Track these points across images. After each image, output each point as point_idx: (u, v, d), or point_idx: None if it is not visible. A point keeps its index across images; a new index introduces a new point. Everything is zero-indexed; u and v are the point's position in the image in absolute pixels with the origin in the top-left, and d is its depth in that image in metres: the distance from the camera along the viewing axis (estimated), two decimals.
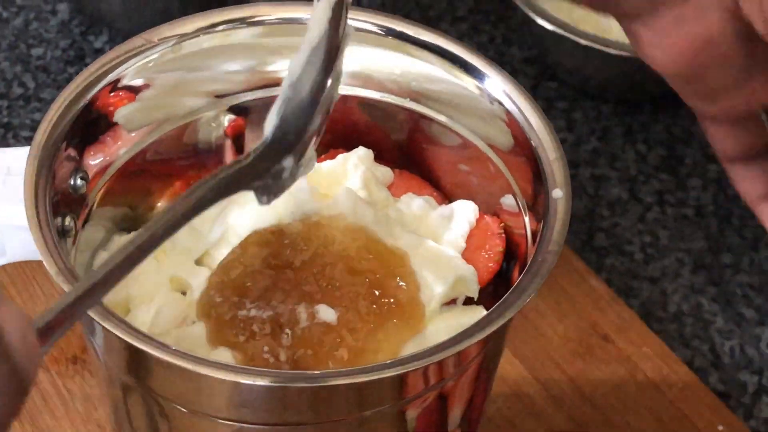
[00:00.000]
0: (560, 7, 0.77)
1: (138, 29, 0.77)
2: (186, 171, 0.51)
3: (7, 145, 0.71)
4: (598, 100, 0.77)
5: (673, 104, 0.77)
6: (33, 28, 0.79)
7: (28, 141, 0.71)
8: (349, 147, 0.50)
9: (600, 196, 0.71)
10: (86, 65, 0.76)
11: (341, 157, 0.49)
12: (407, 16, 0.82)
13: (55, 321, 0.32)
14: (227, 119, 0.50)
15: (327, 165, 0.49)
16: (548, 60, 0.78)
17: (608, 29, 0.76)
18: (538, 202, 0.43)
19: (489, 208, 0.48)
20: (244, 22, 0.47)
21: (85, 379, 0.58)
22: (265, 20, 0.47)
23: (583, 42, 0.72)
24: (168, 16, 0.75)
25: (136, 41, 0.45)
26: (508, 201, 0.47)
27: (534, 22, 0.74)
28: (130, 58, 0.45)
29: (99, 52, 0.78)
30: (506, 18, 0.83)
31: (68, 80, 0.75)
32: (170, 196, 0.51)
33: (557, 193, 0.42)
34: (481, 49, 0.79)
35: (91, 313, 0.38)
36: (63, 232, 0.42)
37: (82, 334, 0.60)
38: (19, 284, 0.62)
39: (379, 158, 0.50)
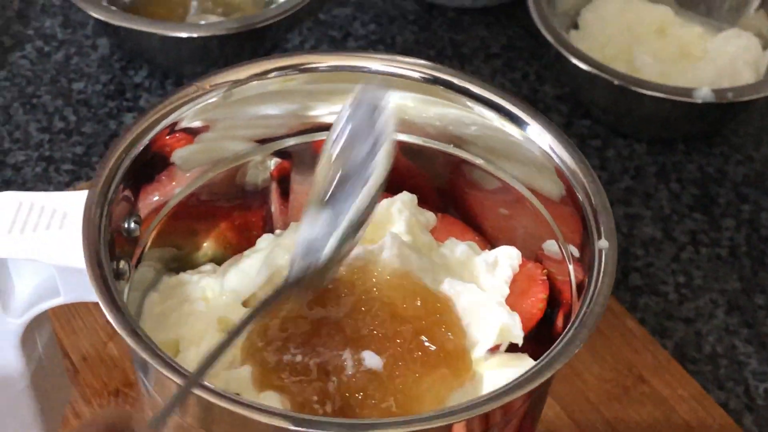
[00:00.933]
0: (593, 46, 0.78)
1: (176, 65, 0.79)
2: (231, 212, 0.52)
3: (48, 179, 0.73)
4: (631, 138, 0.78)
5: (706, 144, 0.78)
6: (74, 62, 0.81)
7: (69, 174, 0.72)
8: (392, 191, 0.51)
9: (634, 236, 0.71)
10: (126, 100, 0.78)
11: (385, 201, 0.50)
12: (441, 53, 0.83)
13: (162, 419, 0.36)
14: (273, 162, 0.51)
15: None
16: (581, 98, 0.79)
17: (641, 69, 0.77)
18: (583, 252, 0.44)
19: (531, 253, 0.49)
20: (296, 69, 0.48)
21: None
22: (317, 67, 0.48)
23: (616, 81, 0.73)
24: (206, 53, 0.77)
25: (191, 87, 0.46)
26: (550, 247, 0.47)
27: (567, 60, 0.75)
28: (185, 103, 0.46)
29: (138, 87, 0.79)
30: (539, 56, 0.84)
31: (108, 114, 0.77)
32: (215, 237, 0.52)
33: (603, 244, 0.42)
34: (514, 87, 0.80)
35: (143, 354, 0.39)
36: (118, 275, 0.43)
37: (125, 369, 0.61)
38: (62, 319, 0.63)
39: (422, 203, 0.51)
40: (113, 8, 0.78)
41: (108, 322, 0.61)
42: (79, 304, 0.63)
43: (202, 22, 0.80)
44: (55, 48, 0.82)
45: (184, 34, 0.75)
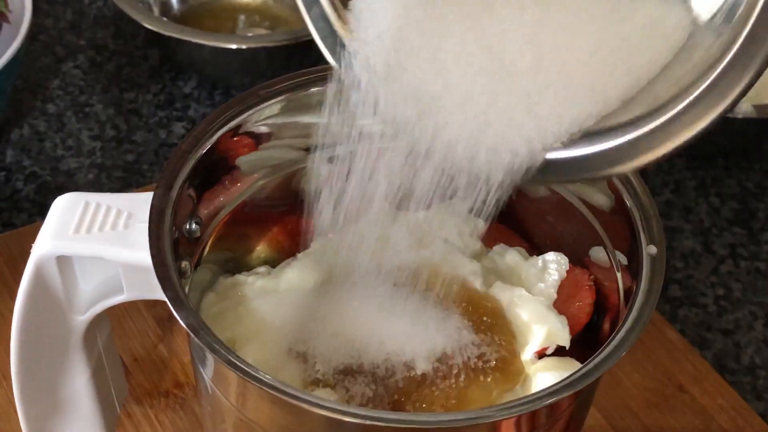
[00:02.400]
0: None
1: (224, 76, 0.81)
2: (284, 217, 0.53)
3: (100, 185, 0.74)
4: None
5: (745, 159, 0.79)
6: (125, 72, 0.83)
7: (120, 181, 0.74)
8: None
9: (674, 248, 0.72)
10: (176, 109, 0.80)
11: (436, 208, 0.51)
12: None
13: None
14: (326, 169, 0.52)
15: (422, 215, 0.51)
16: None
17: None
18: (631, 258, 0.45)
19: (578, 259, 0.50)
20: None
21: (176, 412, 0.60)
22: None
23: None
24: (253, 64, 0.79)
25: (250, 94, 0.48)
26: (597, 253, 0.48)
27: None
28: (247, 108, 0.47)
29: (187, 97, 0.81)
30: None
31: (158, 123, 0.78)
32: (268, 240, 0.53)
33: (651, 250, 0.43)
34: None
35: (206, 348, 0.40)
36: (181, 274, 0.44)
37: (174, 370, 0.62)
38: (113, 321, 0.64)
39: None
40: (164, 19, 0.80)
41: (159, 324, 0.64)
42: (130, 306, 0.65)
43: (250, 35, 0.82)
44: (107, 58, 0.84)
45: (233, 46, 0.77)
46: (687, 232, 0.74)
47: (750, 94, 0.78)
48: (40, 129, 0.78)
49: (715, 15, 0.38)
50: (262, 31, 0.83)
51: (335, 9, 0.42)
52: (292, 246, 0.53)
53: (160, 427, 0.60)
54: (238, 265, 0.52)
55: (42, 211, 0.72)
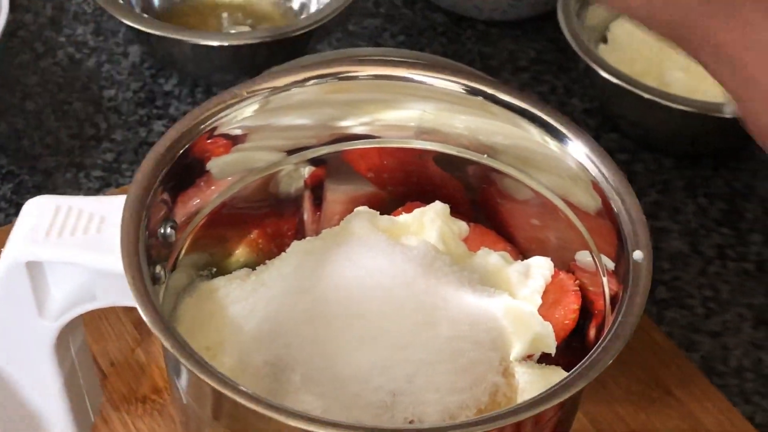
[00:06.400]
0: (622, 60, 0.78)
1: (206, 74, 0.80)
2: (263, 220, 0.52)
3: (79, 185, 0.73)
4: (659, 152, 0.78)
5: (733, 159, 0.78)
6: (105, 70, 0.81)
7: (99, 181, 0.73)
8: (425, 201, 0.51)
9: (661, 249, 0.71)
10: (156, 107, 0.78)
11: (418, 211, 0.50)
12: (469, 65, 0.83)
13: None
14: (307, 170, 0.51)
15: (404, 218, 0.50)
16: (610, 112, 0.79)
17: (670, 83, 0.77)
18: (618, 263, 0.44)
19: (563, 264, 0.49)
20: (335, 77, 0.48)
21: (154, 418, 0.59)
22: (357, 76, 0.49)
23: (645, 95, 0.73)
24: (236, 62, 0.78)
25: (227, 94, 0.47)
26: (583, 258, 0.47)
27: (597, 74, 0.75)
28: (223, 109, 0.46)
29: (168, 95, 0.80)
30: (568, 69, 0.84)
31: (139, 122, 0.77)
32: (247, 244, 0.52)
33: (638, 255, 0.43)
34: (542, 100, 0.80)
35: (181, 358, 0.39)
36: (154, 280, 0.43)
37: (152, 375, 0.61)
38: (90, 325, 0.63)
39: (454, 212, 0.51)
40: (145, 16, 0.79)
41: (137, 328, 0.63)
42: (107, 309, 0.63)
43: (233, 32, 0.81)
44: (86, 55, 0.83)
45: (215, 43, 0.76)
46: (674, 232, 0.73)
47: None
48: (18, 127, 0.77)
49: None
50: (245, 29, 0.82)
51: None
52: (272, 249, 0.52)
53: None
54: (217, 268, 0.51)
55: (19, 212, 0.70)
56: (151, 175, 0.43)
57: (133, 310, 0.63)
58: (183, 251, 0.47)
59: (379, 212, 0.51)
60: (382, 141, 0.51)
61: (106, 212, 0.44)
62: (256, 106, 0.47)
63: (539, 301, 0.47)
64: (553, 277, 0.48)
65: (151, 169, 0.44)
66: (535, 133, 0.48)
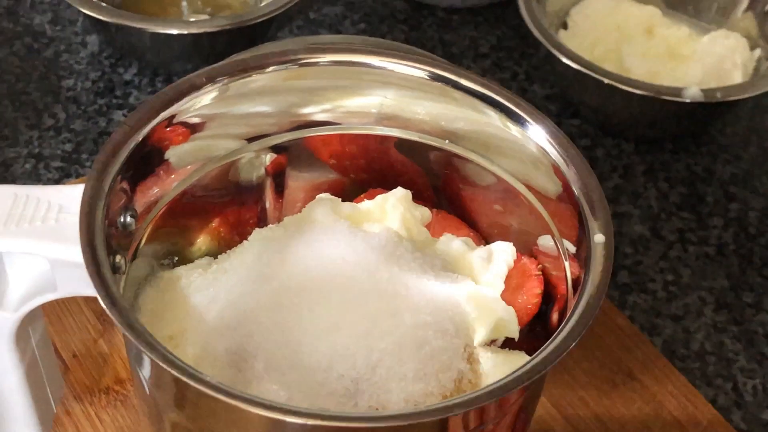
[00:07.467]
0: (582, 46, 0.78)
1: (166, 62, 0.79)
2: (225, 208, 0.52)
3: (38, 176, 0.72)
4: (620, 138, 0.78)
5: (693, 143, 0.78)
6: (63, 59, 0.80)
7: (58, 171, 0.72)
8: (387, 187, 0.51)
9: (622, 234, 0.72)
10: (116, 97, 0.78)
11: (380, 197, 0.50)
12: (430, 52, 0.83)
13: None
14: (268, 158, 0.51)
15: (366, 205, 0.50)
16: (570, 98, 0.79)
17: (630, 68, 0.77)
18: (579, 247, 0.44)
19: (526, 248, 0.49)
20: (296, 63, 0.48)
21: (117, 409, 0.59)
22: (318, 62, 0.48)
23: (605, 81, 0.73)
24: (196, 50, 0.77)
25: (186, 82, 0.46)
26: (545, 242, 0.48)
27: (557, 60, 0.75)
28: (182, 96, 0.46)
29: (128, 84, 0.79)
30: (529, 55, 0.84)
31: (98, 111, 0.76)
32: (208, 233, 0.52)
33: (599, 238, 0.43)
34: (503, 86, 0.81)
35: (142, 348, 0.39)
36: (114, 269, 0.43)
37: (115, 366, 0.60)
38: (52, 316, 0.62)
39: (417, 198, 0.51)
40: (104, 4, 0.78)
41: (99, 319, 0.62)
42: (69, 301, 0.63)
43: (192, 20, 0.80)
44: (44, 45, 0.82)
45: (174, 31, 0.75)
46: (635, 217, 0.73)
47: (697, 78, 0.78)
48: None
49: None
50: (205, 17, 0.82)
51: None
52: (234, 237, 0.52)
53: (101, 425, 0.58)
54: (179, 257, 0.51)
55: None
56: (109, 164, 0.43)
57: (95, 301, 0.63)
58: (143, 240, 0.47)
59: (341, 199, 0.51)
60: (343, 127, 0.51)
61: (65, 201, 0.43)
62: (215, 94, 0.47)
63: (502, 286, 0.47)
64: (515, 261, 0.48)
65: (109, 158, 0.43)
66: (496, 118, 0.48)
